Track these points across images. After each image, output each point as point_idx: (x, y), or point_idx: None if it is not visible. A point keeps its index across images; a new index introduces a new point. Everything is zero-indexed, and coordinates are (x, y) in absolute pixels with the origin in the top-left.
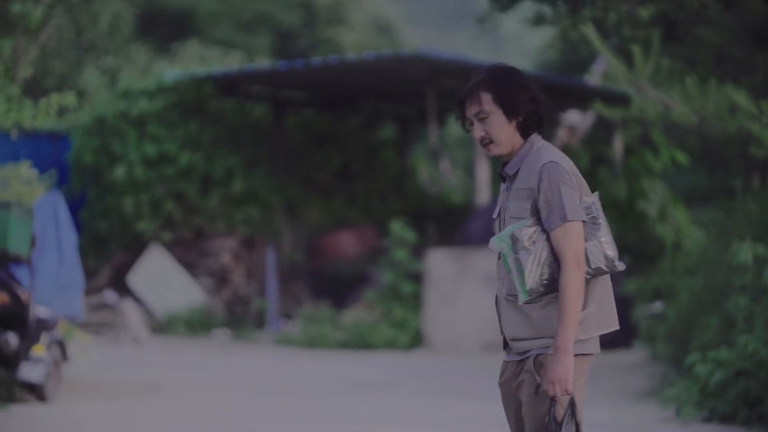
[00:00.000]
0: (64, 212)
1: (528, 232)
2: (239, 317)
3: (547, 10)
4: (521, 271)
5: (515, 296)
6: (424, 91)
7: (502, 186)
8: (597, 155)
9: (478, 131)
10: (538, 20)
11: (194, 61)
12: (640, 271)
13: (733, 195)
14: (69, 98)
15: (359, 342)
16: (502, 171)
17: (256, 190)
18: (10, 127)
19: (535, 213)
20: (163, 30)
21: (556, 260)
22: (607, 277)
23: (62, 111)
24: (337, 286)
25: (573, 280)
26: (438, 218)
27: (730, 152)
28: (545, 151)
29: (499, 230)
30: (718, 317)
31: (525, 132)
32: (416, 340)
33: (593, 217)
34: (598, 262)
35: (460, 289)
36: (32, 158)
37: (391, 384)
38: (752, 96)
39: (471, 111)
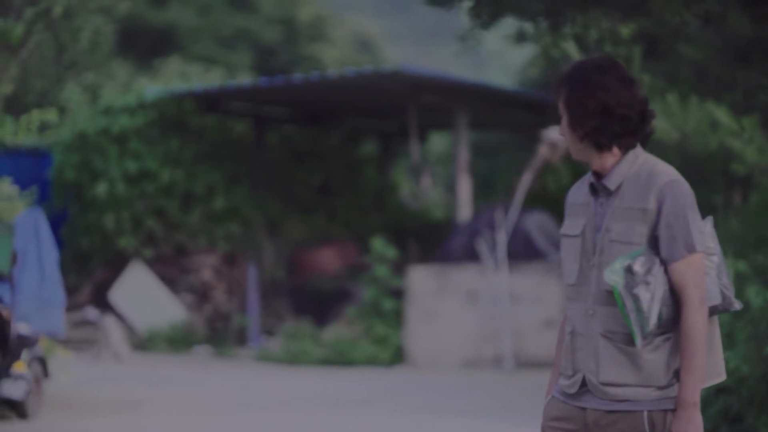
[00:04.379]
0: (45, 229)
1: (645, 262)
2: (220, 334)
3: (528, 27)
4: (639, 309)
5: (622, 335)
6: (406, 107)
7: (591, 200)
8: (578, 172)
9: (560, 129)
10: (520, 37)
11: (175, 78)
12: None
13: (714, 211)
14: (50, 115)
15: (340, 358)
16: (597, 183)
17: (238, 207)
18: None
19: (651, 239)
20: (144, 46)
21: (671, 297)
22: (716, 318)
23: (43, 127)
24: (318, 303)
25: (701, 321)
26: (419, 234)
27: (711, 169)
28: (659, 166)
29: (585, 251)
30: None
31: (598, 147)
32: (397, 357)
33: (708, 247)
34: (714, 300)
35: (441, 306)
36: (13, 175)
37: (372, 400)
38: (733, 112)
39: None
